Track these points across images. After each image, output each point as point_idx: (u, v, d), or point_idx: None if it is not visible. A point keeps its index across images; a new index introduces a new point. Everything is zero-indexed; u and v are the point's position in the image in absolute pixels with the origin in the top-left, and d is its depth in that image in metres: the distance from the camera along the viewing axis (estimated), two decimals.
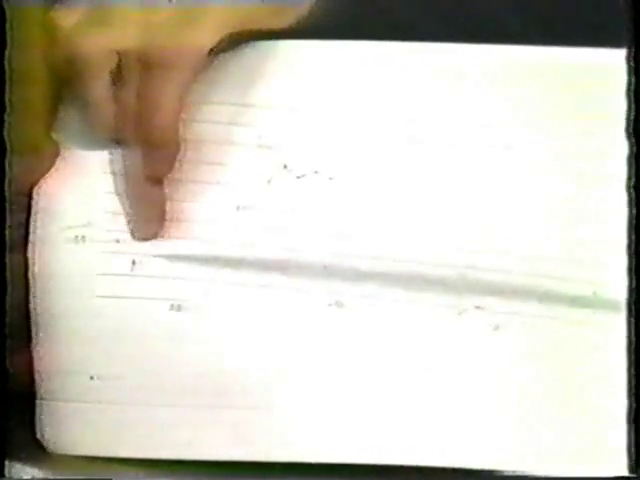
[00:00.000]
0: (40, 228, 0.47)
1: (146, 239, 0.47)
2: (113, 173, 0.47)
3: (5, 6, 0.44)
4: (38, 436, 0.47)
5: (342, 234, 0.47)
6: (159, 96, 0.43)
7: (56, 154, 0.47)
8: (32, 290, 0.47)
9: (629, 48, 0.45)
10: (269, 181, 0.47)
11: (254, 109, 0.47)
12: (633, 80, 0.45)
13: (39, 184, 0.47)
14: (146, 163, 0.45)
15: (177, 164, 0.46)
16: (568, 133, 0.47)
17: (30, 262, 0.47)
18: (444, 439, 0.46)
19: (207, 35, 0.44)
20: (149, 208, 0.46)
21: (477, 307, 0.46)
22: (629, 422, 0.45)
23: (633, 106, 0.45)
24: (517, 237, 0.47)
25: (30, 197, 0.47)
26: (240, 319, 0.47)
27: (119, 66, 0.44)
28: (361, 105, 0.47)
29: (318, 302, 0.47)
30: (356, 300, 0.47)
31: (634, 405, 0.45)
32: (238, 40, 0.46)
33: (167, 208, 0.47)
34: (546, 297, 0.46)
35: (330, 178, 0.47)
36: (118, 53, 0.43)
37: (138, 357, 0.47)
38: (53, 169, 0.47)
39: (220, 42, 0.44)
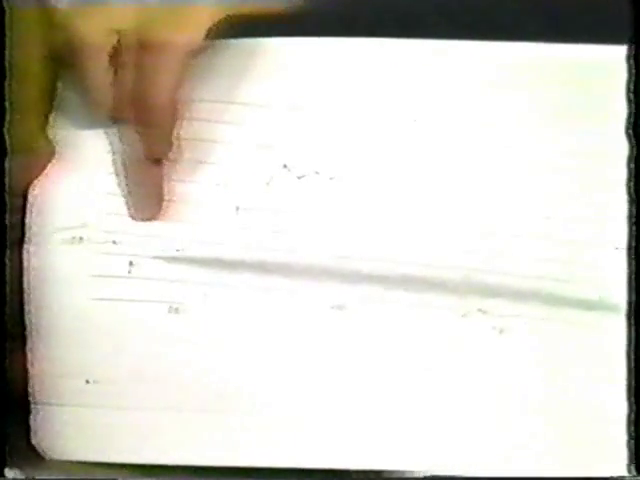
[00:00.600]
0: (35, 229, 0.47)
1: (145, 220, 0.46)
2: (112, 153, 0.47)
3: (5, 6, 0.44)
4: (33, 441, 0.46)
5: (343, 235, 0.46)
6: (156, 74, 0.43)
7: (51, 154, 0.47)
8: (27, 292, 0.46)
9: (630, 45, 0.45)
10: (269, 181, 0.46)
11: (253, 108, 0.47)
12: (633, 78, 0.45)
13: (34, 184, 0.47)
14: (145, 143, 0.45)
15: (175, 164, 0.46)
16: (568, 132, 0.46)
17: (25, 263, 0.46)
18: (447, 444, 0.46)
19: (205, 15, 0.44)
20: (148, 189, 0.46)
21: (481, 310, 0.46)
22: (629, 422, 0.44)
23: (633, 106, 0.45)
24: (521, 239, 0.46)
25: (25, 197, 0.47)
26: (240, 322, 0.46)
27: (117, 46, 0.44)
28: (362, 104, 0.47)
29: (319, 305, 0.46)
30: (358, 303, 0.46)
31: (634, 406, 0.45)
32: (235, 22, 0.45)
33: (163, 213, 0.46)
34: (551, 300, 0.46)
35: (331, 178, 0.46)
36: (116, 33, 0.43)
37: (135, 361, 0.46)
38: (48, 169, 0.47)
39: (218, 24, 0.44)
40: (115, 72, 0.44)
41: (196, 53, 0.44)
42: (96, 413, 0.46)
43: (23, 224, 0.46)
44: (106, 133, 0.47)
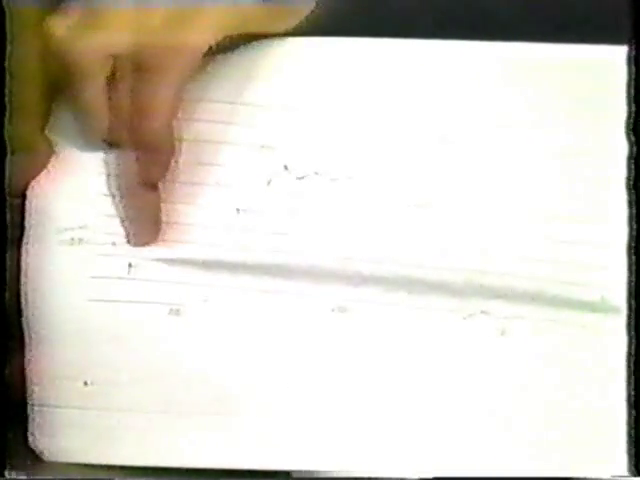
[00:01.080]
0: (34, 230, 0.46)
1: (142, 245, 0.46)
2: (108, 178, 0.46)
3: (5, 6, 0.44)
4: (31, 443, 0.46)
5: (345, 237, 0.46)
6: (152, 99, 0.43)
7: (50, 153, 0.46)
8: (25, 293, 0.46)
9: (630, 45, 0.45)
10: (269, 182, 0.46)
11: (253, 108, 0.46)
12: (633, 78, 0.45)
13: (33, 184, 0.46)
14: (140, 168, 0.45)
15: (173, 166, 0.45)
16: (568, 131, 0.46)
17: (23, 265, 0.46)
18: (450, 446, 0.46)
19: (202, 37, 0.43)
20: (144, 214, 0.46)
21: (483, 311, 0.46)
22: (629, 423, 0.45)
23: (633, 106, 0.45)
24: (523, 240, 0.46)
25: (24, 198, 0.46)
26: (240, 324, 0.46)
27: (113, 70, 0.43)
28: (364, 104, 0.46)
29: (320, 307, 0.46)
30: (359, 305, 0.46)
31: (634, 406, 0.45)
32: (236, 42, 0.45)
33: (162, 213, 0.46)
34: (554, 301, 0.45)
35: (332, 179, 0.46)
36: (112, 57, 0.43)
37: (134, 363, 0.46)
38: (47, 169, 0.46)
39: (216, 44, 0.43)
40: (111, 95, 0.44)
41: (193, 74, 0.44)
42: (95, 415, 0.46)
43: (22, 225, 0.46)
44: None
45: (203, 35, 0.43)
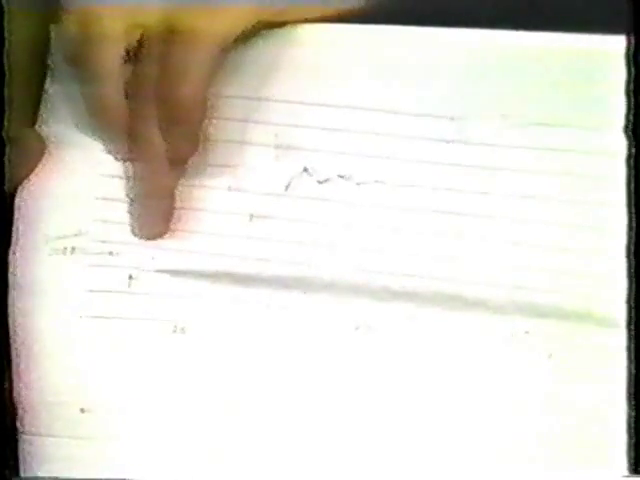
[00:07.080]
0: (23, 238, 0.44)
1: (151, 238, 0.44)
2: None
3: (4, 6, 0.43)
4: (22, 475, 0.43)
5: (371, 247, 0.43)
6: (188, 63, 0.42)
7: (42, 151, 0.44)
8: (13, 309, 0.44)
9: (628, 36, 0.42)
10: (287, 186, 0.44)
11: (270, 104, 0.44)
12: (633, 73, 0.42)
13: (22, 187, 0.44)
14: (169, 142, 0.43)
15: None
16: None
17: (11, 277, 0.44)
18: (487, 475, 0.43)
19: (243, 17, 0.42)
20: (158, 200, 0.44)
21: (527, 332, 0.43)
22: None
23: (632, 103, 0.42)
24: (572, 255, 0.43)
25: (12, 201, 0.44)
26: (253, 344, 0.44)
27: (139, 41, 0.42)
28: (393, 100, 0.44)
29: (343, 325, 0.43)
30: (386, 323, 0.43)
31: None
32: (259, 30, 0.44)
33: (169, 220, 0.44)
34: (605, 322, 0.42)
35: (358, 183, 0.44)
36: (138, 27, 0.42)
37: (135, 386, 0.44)
38: (38, 169, 0.44)
39: (256, 27, 0.43)
40: (136, 66, 0.42)
41: (229, 49, 0.42)
42: (93, 445, 0.43)
43: (9, 232, 0.44)
44: None
45: (244, 15, 0.43)
